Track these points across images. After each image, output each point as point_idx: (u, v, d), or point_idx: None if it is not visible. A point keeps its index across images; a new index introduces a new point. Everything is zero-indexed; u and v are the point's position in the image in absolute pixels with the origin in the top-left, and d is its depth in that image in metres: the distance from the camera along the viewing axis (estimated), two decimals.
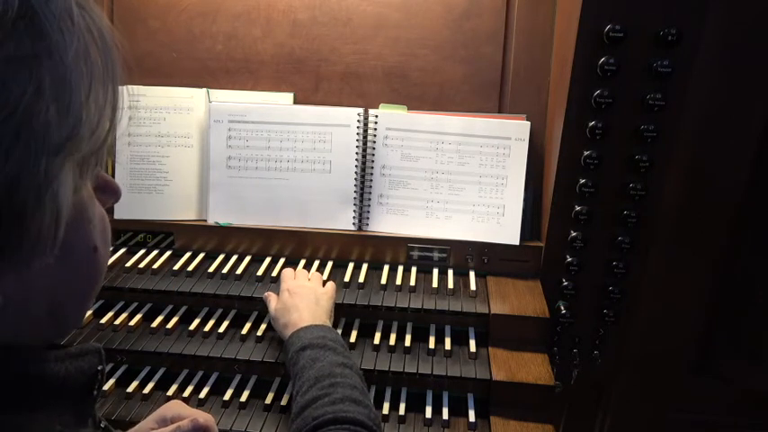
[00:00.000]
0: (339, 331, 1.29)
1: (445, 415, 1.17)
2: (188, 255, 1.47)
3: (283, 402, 1.17)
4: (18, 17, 0.40)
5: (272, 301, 1.24)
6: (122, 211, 1.45)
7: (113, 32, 0.49)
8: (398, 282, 1.39)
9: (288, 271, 1.31)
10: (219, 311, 1.35)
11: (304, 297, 1.19)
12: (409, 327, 1.33)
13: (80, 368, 0.55)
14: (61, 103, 0.42)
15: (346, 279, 1.39)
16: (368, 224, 1.48)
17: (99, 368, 0.57)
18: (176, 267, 1.41)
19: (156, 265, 1.41)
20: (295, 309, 1.16)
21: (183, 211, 1.49)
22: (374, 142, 1.46)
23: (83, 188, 0.49)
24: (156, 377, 1.25)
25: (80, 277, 0.53)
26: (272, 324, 1.22)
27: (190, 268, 1.40)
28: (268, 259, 1.47)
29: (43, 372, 0.50)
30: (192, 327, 1.29)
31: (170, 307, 1.36)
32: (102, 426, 0.63)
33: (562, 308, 1.39)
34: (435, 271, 1.43)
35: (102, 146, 0.49)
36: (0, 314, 0.45)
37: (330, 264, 1.45)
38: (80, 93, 0.44)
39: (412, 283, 1.39)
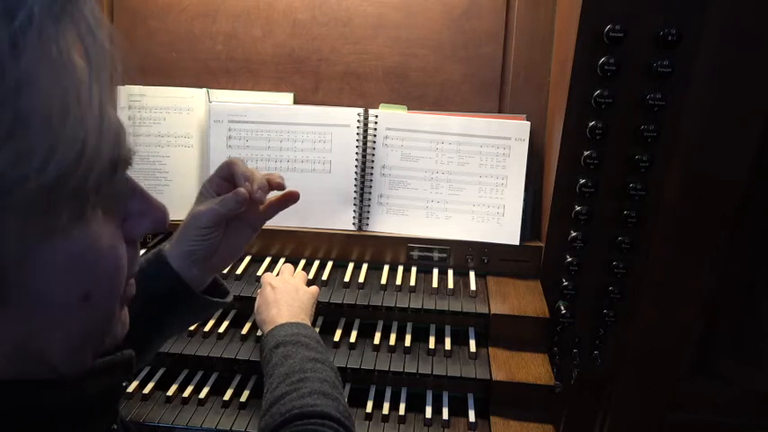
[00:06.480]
0: (339, 331, 1.30)
1: (445, 415, 1.17)
2: None
3: None
4: None
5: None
6: None
7: (109, 28, 0.41)
8: (398, 282, 1.39)
9: (269, 274, 1.31)
10: (219, 311, 1.35)
11: (285, 293, 1.18)
12: (409, 327, 1.33)
13: (102, 385, 0.50)
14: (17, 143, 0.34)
15: (346, 279, 1.39)
16: (368, 224, 1.48)
17: (123, 384, 0.53)
18: None
19: None
20: (275, 304, 1.15)
21: (183, 211, 1.46)
22: (374, 142, 1.46)
23: (71, 229, 0.41)
24: (156, 377, 1.25)
25: (65, 326, 0.44)
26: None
27: None
28: (268, 259, 1.47)
29: (55, 400, 0.45)
30: (192, 327, 1.28)
31: None
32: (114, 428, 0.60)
33: (562, 308, 1.39)
34: (435, 271, 1.43)
35: (85, 180, 0.39)
36: None
37: (330, 264, 1.45)
38: (31, 119, 0.35)
39: (412, 283, 1.39)
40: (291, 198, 0.99)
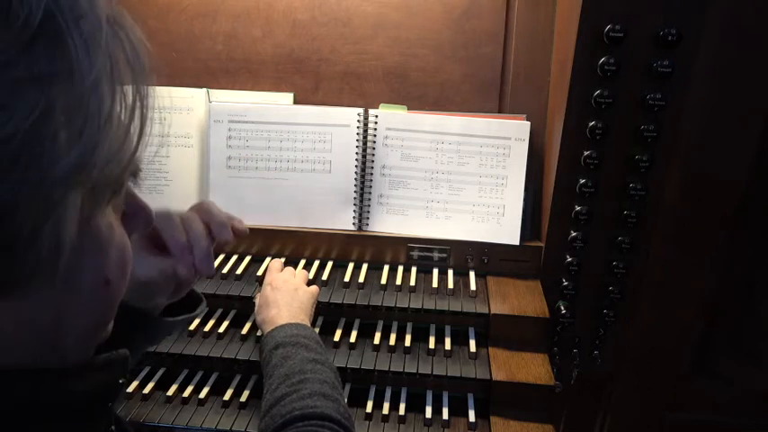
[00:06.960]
0: (339, 331, 1.30)
1: (445, 415, 1.17)
2: None
3: None
4: (38, 34, 0.36)
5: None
6: None
7: (148, 49, 0.46)
8: (398, 282, 1.39)
9: (275, 262, 1.32)
10: (219, 311, 1.35)
11: (285, 293, 1.19)
12: (409, 327, 1.33)
13: (100, 382, 0.50)
14: (73, 129, 0.37)
15: (346, 279, 1.39)
16: (368, 224, 1.48)
17: (120, 381, 0.53)
18: None
19: None
20: (275, 304, 1.15)
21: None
22: (374, 142, 1.46)
23: (98, 216, 0.44)
24: (157, 377, 1.25)
25: (86, 310, 0.47)
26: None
27: None
28: (268, 259, 1.46)
29: (54, 397, 0.46)
30: (192, 327, 1.28)
31: None
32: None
33: (562, 308, 1.39)
34: (435, 271, 1.43)
35: (123, 174, 0.44)
36: None
37: (330, 264, 1.45)
38: (97, 118, 0.39)
39: (412, 283, 1.39)
40: (241, 234, 0.89)
